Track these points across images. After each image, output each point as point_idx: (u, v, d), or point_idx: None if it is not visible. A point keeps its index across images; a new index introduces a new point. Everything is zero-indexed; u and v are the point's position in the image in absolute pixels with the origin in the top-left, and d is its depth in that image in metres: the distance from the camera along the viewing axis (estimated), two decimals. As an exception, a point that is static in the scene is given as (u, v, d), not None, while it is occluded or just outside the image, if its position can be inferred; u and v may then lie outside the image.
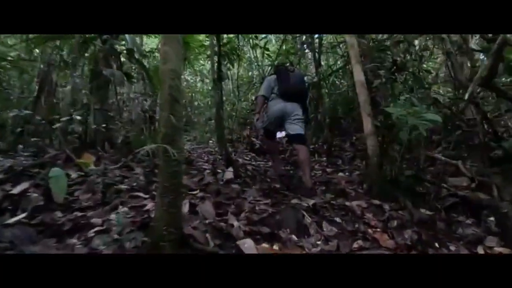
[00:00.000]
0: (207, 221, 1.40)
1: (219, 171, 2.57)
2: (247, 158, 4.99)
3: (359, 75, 2.43)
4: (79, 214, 1.40)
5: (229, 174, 2.43)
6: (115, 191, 1.75)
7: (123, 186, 1.89)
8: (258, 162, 4.42)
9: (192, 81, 12.67)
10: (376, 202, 1.96)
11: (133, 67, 7.48)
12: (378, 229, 1.56)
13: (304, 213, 1.66)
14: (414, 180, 2.18)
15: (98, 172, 1.86)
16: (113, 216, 1.38)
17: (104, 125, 4.30)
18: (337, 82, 6.59)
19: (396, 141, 2.33)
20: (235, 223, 1.43)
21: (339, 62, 7.26)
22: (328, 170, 3.23)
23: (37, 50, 3.99)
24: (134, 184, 2.04)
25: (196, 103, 12.58)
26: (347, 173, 3.08)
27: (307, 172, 2.37)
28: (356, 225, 1.58)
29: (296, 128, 2.63)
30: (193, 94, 12.63)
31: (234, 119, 8.15)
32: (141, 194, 1.77)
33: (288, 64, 6.09)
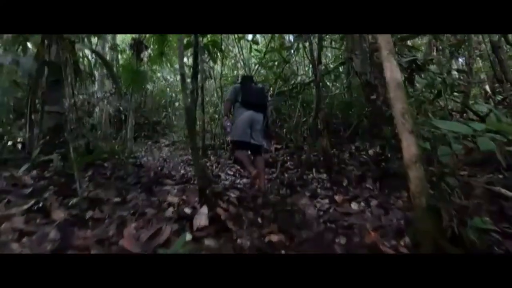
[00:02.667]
0: None
1: (187, 210, 1.73)
2: (231, 173, 4.17)
3: (393, 71, 1.64)
4: None
5: (201, 218, 1.60)
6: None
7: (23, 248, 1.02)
8: (244, 180, 3.61)
9: (172, 79, 11.67)
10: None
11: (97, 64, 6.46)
12: None
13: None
14: (483, 233, 1.44)
15: None
16: None
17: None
18: (328, 83, 5.91)
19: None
20: None
21: (330, 64, 6.58)
22: (337, 198, 2.46)
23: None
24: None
25: (176, 104, 11.59)
26: (362, 203, 2.33)
27: (263, 181, 2.91)
28: None
29: (260, 139, 3.01)
30: (174, 94, 11.64)
31: (217, 123, 7.31)
32: None
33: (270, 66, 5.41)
